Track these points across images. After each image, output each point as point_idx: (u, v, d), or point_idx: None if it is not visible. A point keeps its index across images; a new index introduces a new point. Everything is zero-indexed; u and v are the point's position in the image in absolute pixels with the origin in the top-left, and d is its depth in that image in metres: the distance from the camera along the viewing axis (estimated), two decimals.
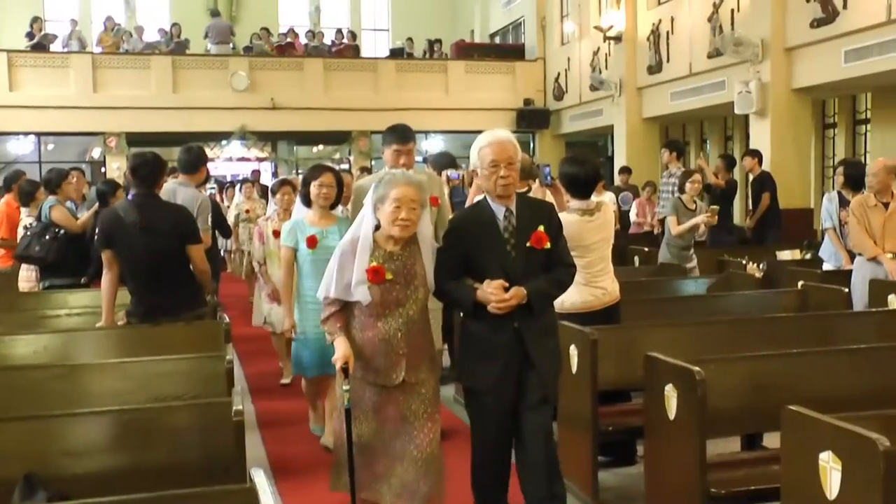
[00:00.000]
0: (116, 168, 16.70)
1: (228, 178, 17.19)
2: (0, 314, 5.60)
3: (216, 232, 7.39)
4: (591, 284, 4.84)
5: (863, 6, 10.36)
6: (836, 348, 4.31)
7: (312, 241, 4.90)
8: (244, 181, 12.20)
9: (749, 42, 11.91)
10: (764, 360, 3.98)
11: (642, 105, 15.99)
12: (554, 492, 3.53)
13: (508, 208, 3.53)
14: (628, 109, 16.00)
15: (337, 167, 7.05)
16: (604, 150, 19.94)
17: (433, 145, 19.01)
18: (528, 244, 3.48)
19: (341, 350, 3.43)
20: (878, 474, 2.59)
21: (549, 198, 5.20)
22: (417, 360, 3.51)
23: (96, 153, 18.23)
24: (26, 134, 17.70)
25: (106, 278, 4.88)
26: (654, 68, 15.26)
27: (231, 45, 18.71)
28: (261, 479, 2.48)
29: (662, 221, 10.03)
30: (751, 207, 10.43)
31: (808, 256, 8.37)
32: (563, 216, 3.98)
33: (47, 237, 6.53)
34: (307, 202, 5.07)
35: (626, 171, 13.84)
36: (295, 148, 19.87)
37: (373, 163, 16.98)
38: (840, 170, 7.44)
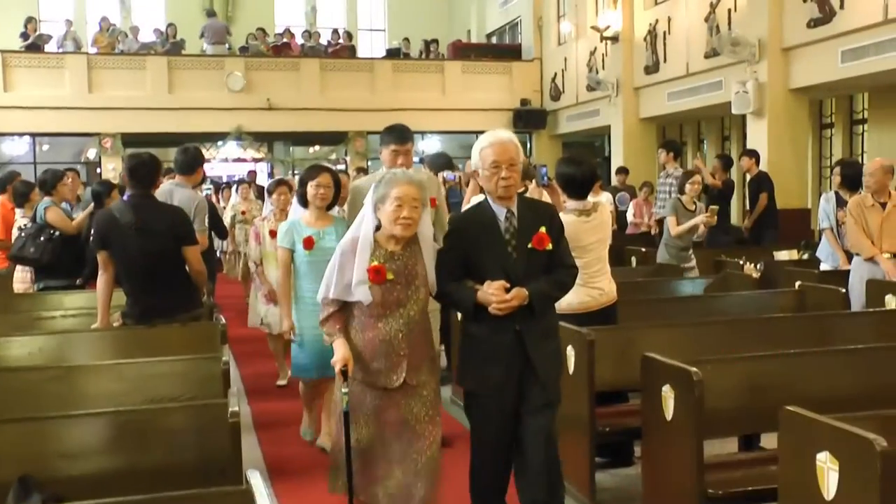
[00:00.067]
0: (112, 169, 16.66)
1: (224, 179, 17.18)
2: None
3: (212, 233, 7.38)
4: (588, 285, 4.83)
5: (859, 6, 10.37)
6: (834, 349, 4.32)
7: (309, 243, 4.89)
8: (241, 182, 12.16)
9: (746, 42, 11.92)
10: (761, 360, 3.98)
11: (639, 105, 16.00)
12: (553, 498, 3.51)
13: (510, 209, 3.50)
14: (625, 110, 16.00)
15: (333, 168, 7.03)
16: (601, 151, 19.94)
17: (430, 146, 19.00)
18: (529, 245, 3.45)
19: (340, 352, 3.41)
20: (875, 474, 2.59)
21: (546, 198, 5.20)
22: (418, 361, 3.48)
23: (92, 154, 18.19)
24: (21, 135, 17.67)
25: (101, 279, 4.87)
26: (651, 68, 15.27)
27: (227, 45, 18.69)
28: (257, 480, 2.47)
29: (659, 222, 10.05)
30: (748, 208, 10.44)
31: (805, 257, 8.37)
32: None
33: (42, 238, 6.51)
34: (304, 203, 5.06)
35: (623, 171, 13.85)
36: (291, 149, 19.85)
37: (369, 163, 16.96)
38: (837, 170, 7.45)
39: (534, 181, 5.76)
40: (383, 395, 3.45)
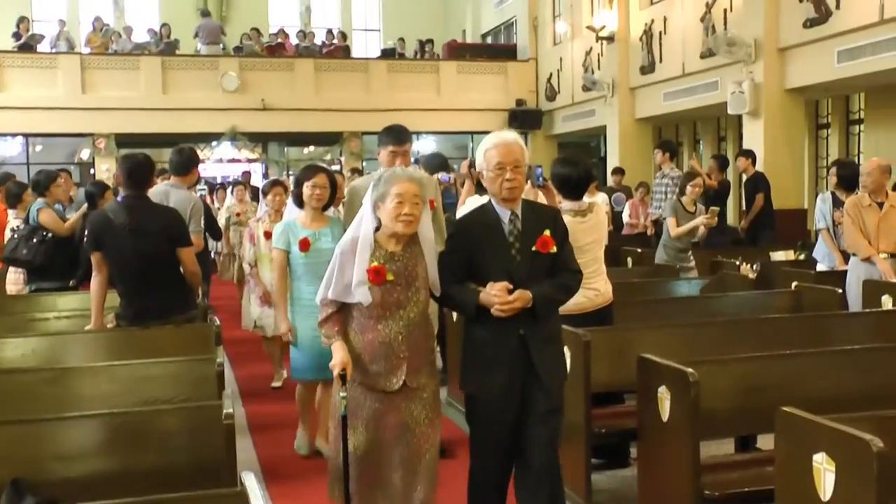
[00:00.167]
0: (105, 169, 16.66)
1: (219, 180, 17.13)
2: None
3: (206, 234, 7.35)
4: (584, 286, 4.75)
5: (855, 6, 10.39)
6: (831, 349, 4.31)
7: (305, 244, 4.85)
8: (235, 183, 12.11)
9: (742, 42, 11.93)
10: (758, 361, 3.97)
11: (635, 105, 16.01)
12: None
13: (514, 212, 3.46)
14: (621, 110, 16.02)
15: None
16: (596, 151, 19.96)
17: (425, 146, 18.99)
18: (533, 248, 3.41)
19: (339, 356, 3.37)
20: (871, 475, 2.58)
21: (542, 199, 5.18)
22: (418, 363, 3.44)
23: (85, 154, 18.16)
24: (14, 135, 17.63)
25: (95, 281, 4.84)
26: (647, 68, 15.28)
27: (221, 45, 18.66)
28: (251, 482, 2.46)
29: (655, 222, 10.04)
30: (744, 208, 10.44)
31: (801, 257, 8.37)
32: None
33: (35, 240, 6.48)
34: (300, 203, 5.03)
35: (618, 171, 13.84)
36: (286, 149, 19.83)
37: (364, 164, 16.95)
38: (833, 170, 7.45)
39: (529, 182, 5.75)
40: (383, 398, 3.41)
